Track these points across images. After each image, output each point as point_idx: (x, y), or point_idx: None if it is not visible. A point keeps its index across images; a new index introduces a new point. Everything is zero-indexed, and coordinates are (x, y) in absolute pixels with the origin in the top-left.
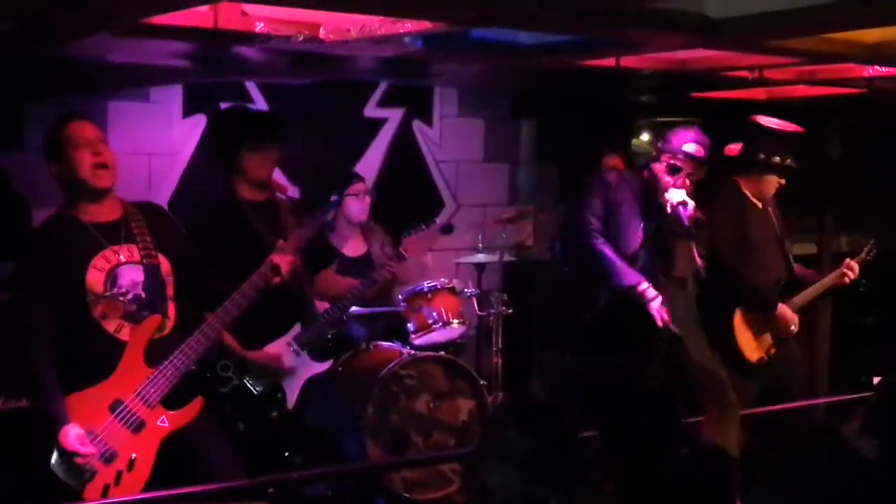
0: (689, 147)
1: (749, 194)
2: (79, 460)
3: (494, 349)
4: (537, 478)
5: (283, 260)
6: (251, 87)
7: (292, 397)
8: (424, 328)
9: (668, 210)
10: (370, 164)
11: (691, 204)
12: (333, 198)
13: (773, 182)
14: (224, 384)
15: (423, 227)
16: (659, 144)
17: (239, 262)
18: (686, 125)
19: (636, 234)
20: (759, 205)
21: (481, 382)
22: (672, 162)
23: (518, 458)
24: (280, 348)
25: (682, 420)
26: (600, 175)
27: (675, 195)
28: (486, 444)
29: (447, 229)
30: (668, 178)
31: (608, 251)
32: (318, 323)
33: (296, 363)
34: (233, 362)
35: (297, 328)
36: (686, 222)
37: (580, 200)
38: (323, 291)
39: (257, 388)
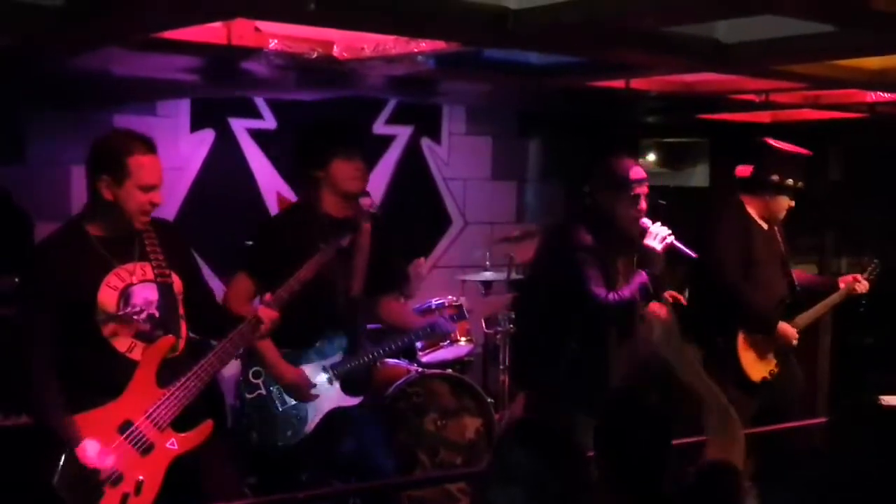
0: (634, 172)
1: (755, 215)
2: (102, 476)
3: (501, 367)
4: (543, 499)
5: (266, 315)
6: (260, 103)
7: (312, 421)
8: (432, 345)
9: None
10: (378, 180)
11: (670, 237)
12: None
13: (784, 203)
14: (251, 390)
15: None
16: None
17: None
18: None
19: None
20: (765, 226)
21: (488, 400)
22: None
23: (524, 481)
24: (315, 371)
25: (683, 440)
26: (577, 246)
27: (657, 236)
28: (493, 466)
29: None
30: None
31: (612, 297)
32: (369, 356)
33: (325, 390)
34: (265, 371)
35: (338, 355)
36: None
37: (573, 276)
38: (386, 320)
39: (284, 404)
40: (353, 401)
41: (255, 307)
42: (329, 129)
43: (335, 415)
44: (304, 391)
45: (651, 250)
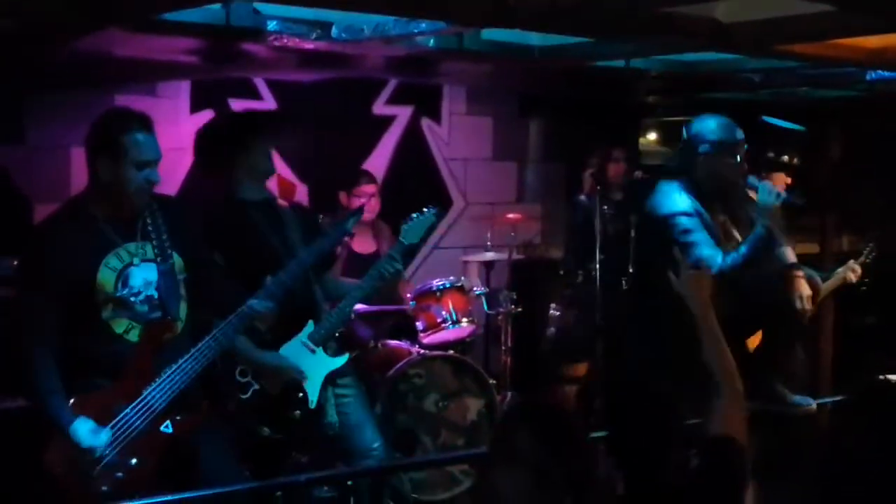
0: (738, 133)
1: (753, 194)
2: (95, 456)
3: (503, 348)
4: (548, 482)
5: (260, 305)
6: (260, 84)
7: (314, 394)
8: (433, 327)
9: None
10: (379, 161)
11: (783, 192)
12: (355, 206)
13: (781, 180)
14: (244, 390)
15: (419, 215)
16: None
17: (243, 264)
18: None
19: None
20: None
21: (490, 381)
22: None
23: (529, 463)
24: (295, 349)
25: (686, 421)
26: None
27: (771, 192)
28: (497, 448)
29: (441, 214)
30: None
31: (730, 260)
32: (336, 314)
33: (311, 361)
34: (249, 366)
35: (309, 326)
36: None
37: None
38: (329, 293)
39: (279, 387)
40: (340, 361)
41: None
42: (243, 117)
43: (330, 380)
44: (287, 373)
45: (767, 206)
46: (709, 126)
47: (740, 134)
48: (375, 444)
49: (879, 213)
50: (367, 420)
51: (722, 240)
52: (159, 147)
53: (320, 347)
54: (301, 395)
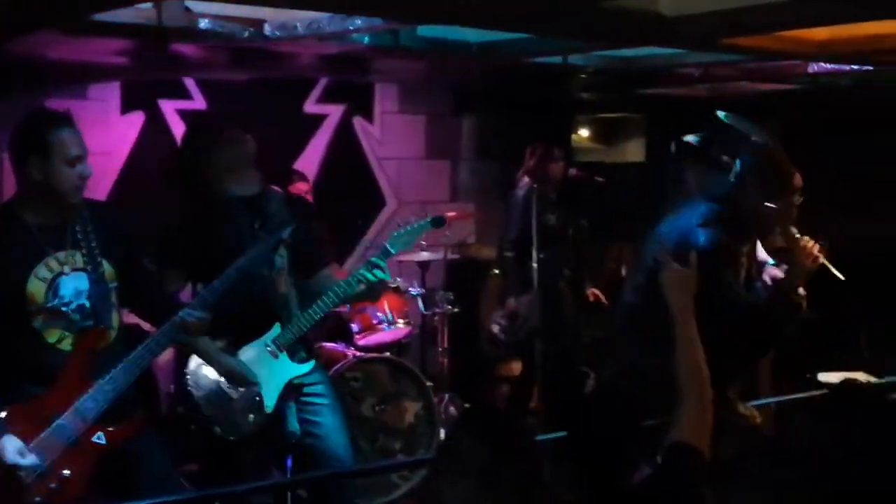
0: (797, 179)
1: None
2: (23, 472)
3: (440, 349)
4: (495, 485)
5: (192, 316)
6: (190, 84)
7: (272, 399)
8: (369, 328)
9: None
10: (310, 160)
11: (821, 257)
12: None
13: None
14: (199, 387)
15: (413, 224)
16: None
17: (226, 261)
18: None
19: None
20: None
21: (428, 384)
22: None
23: (474, 467)
24: (257, 351)
25: (646, 423)
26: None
27: (809, 255)
28: (442, 457)
29: (438, 222)
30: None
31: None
32: (305, 318)
33: (274, 366)
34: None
35: (275, 329)
36: None
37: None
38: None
39: (237, 390)
40: (304, 368)
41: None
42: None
43: (292, 387)
44: (239, 377)
45: (804, 267)
46: (746, 150)
47: (798, 181)
48: (346, 453)
49: (820, 206)
50: (340, 428)
51: (742, 273)
52: (84, 141)
53: (284, 352)
54: (258, 398)
